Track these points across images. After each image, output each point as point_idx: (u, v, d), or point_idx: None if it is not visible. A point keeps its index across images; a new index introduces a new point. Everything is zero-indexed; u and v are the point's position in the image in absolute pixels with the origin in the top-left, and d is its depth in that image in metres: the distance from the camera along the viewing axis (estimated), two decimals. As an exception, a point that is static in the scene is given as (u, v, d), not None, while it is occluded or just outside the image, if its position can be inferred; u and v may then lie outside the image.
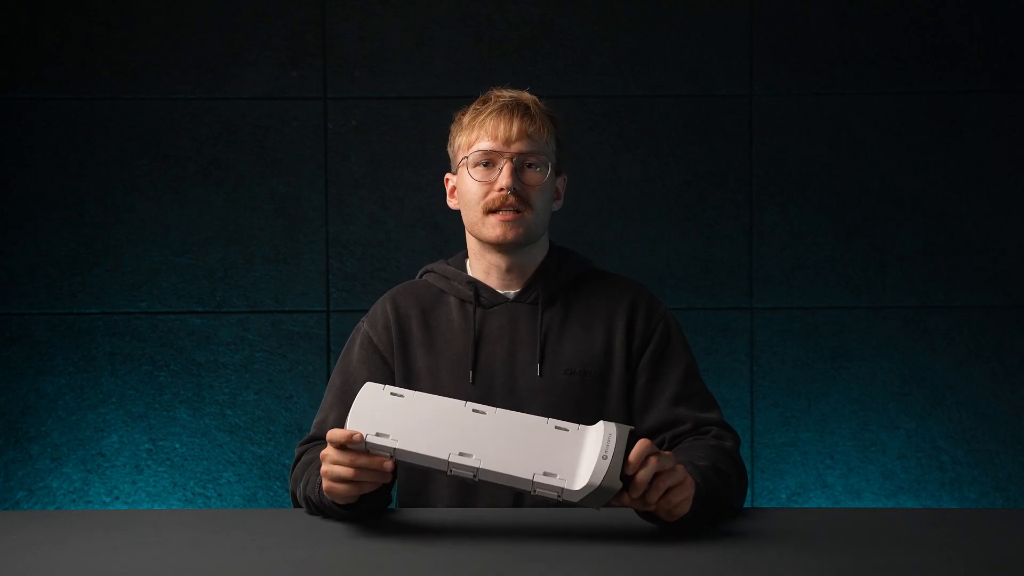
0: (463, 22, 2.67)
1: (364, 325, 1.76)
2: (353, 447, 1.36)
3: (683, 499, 1.38)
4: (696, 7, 2.67)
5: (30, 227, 2.65)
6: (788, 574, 1.27)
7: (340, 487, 1.39)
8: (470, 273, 1.76)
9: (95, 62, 2.65)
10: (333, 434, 1.37)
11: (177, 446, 2.66)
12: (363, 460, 1.36)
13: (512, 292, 1.73)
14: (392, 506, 1.71)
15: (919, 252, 2.67)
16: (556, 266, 1.75)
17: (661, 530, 1.44)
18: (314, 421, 1.74)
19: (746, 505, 1.80)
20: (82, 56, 2.65)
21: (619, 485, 1.32)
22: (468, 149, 1.70)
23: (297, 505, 1.63)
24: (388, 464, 1.35)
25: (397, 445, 1.35)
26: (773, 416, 2.68)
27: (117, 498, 2.65)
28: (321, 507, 1.51)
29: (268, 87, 2.67)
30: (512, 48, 2.67)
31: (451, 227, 2.65)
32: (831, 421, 2.67)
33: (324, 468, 1.40)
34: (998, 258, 2.67)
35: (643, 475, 1.32)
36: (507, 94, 1.72)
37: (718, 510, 1.50)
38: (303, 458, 1.65)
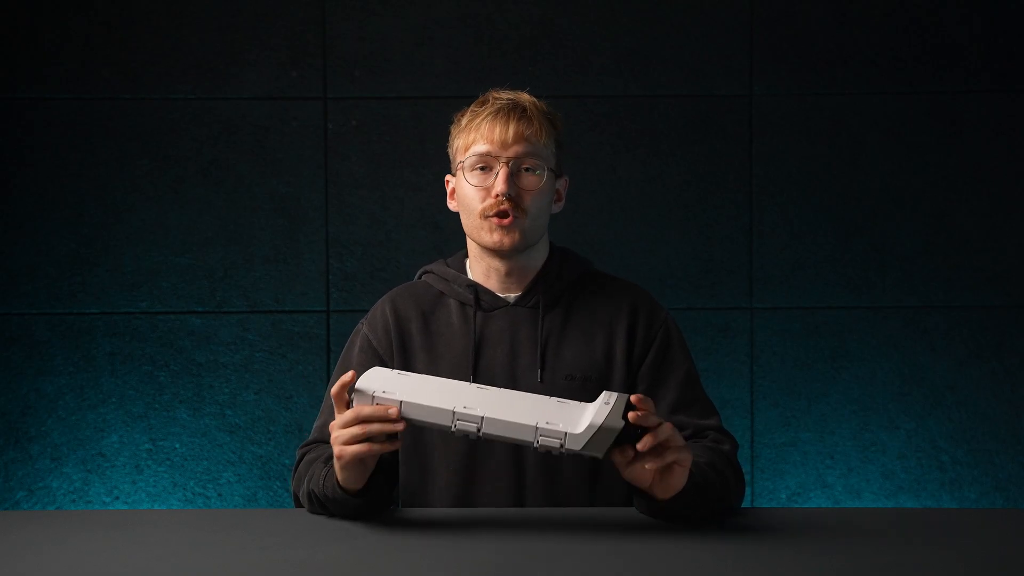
0: (463, 22, 2.67)
1: (364, 328, 1.76)
2: (360, 402, 1.39)
3: (681, 459, 1.39)
4: (696, 7, 2.67)
5: (30, 227, 2.65)
6: (788, 574, 1.27)
7: (352, 448, 1.40)
8: (470, 275, 1.76)
9: (95, 62, 2.65)
10: (334, 390, 1.41)
11: (177, 446, 2.66)
12: (368, 410, 1.38)
13: (512, 296, 1.73)
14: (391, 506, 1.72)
15: (919, 252, 2.67)
16: (556, 269, 1.74)
17: (664, 527, 1.44)
18: (314, 425, 1.73)
19: (746, 505, 1.80)
20: (82, 56, 2.65)
21: (620, 424, 1.35)
22: (465, 152, 1.69)
23: (299, 505, 1.63)
24: (393, 411, 1.37)
25: (404, 398, 1.39)
26: (773, 416, 2.68)
27: (117, 498, 2.65)
28: (324, 500, 1.51)
29: (268, 87, 2.67)
30: (512, 48, 2.67)
31: (451, 227, 2.65)
32: (831, 421, 2.67)
33: (334, 435, 1.42)
34: (998, 258, 2.67)
35: (643, 411, 1.35)
36: (505, 96, 1.70)
37: (712, 506, 1.50)
38: (306, 458, 1.65)
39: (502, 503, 1.64)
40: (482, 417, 1.37)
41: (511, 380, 1.67)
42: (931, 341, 2.67)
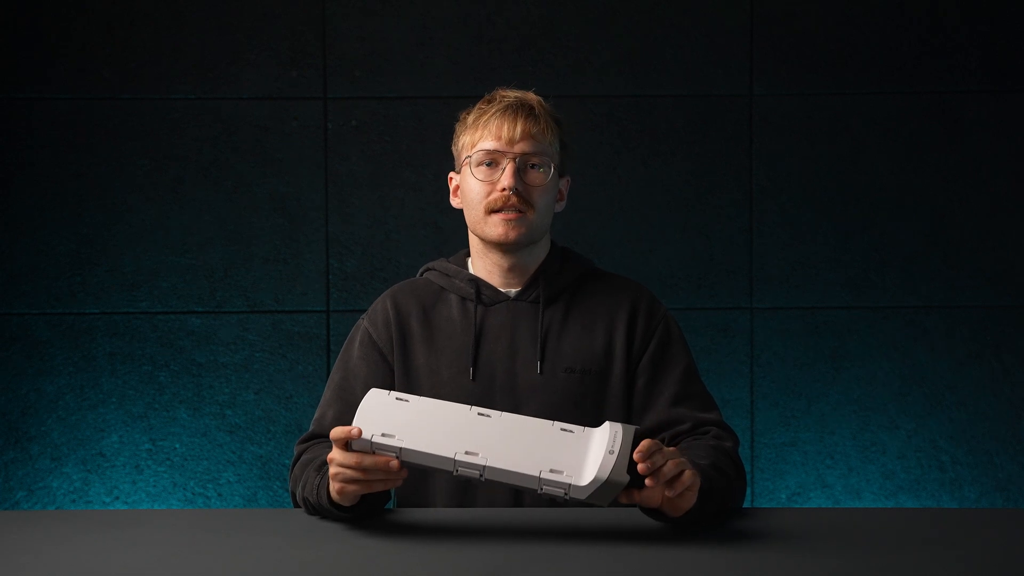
0: (463, 22, 2.67)
1: (364, 322, 1.76)
2: (358, 447, 1.36)
3: (688, 488, 1.38)
4: (696, 7, 2.67)
5: (30, 227, 2.65)
6: (788, 574, 1.27)
7: (351, 488, 1.40)
8: (471, 271, 1.76)
9: (95, 62, 2.65)
10: (335, 433, 1.38)
11: (177, 446, 2.66)
12: (369, 461, 1.37)
13: (513, 291, 1.74)
14: (391, 506, 1.72)
15: (919, 252, 2.67)
16: (558, 266, 1.75)
17: (665, 528, 1.44)
18: (313, 418, 1.74)
19: (746, 505, 1.80)
20: (82, 56, 2.65)
21: (626, 479, 1.32)
22: (471, 148, 1.70)
23: (297, 505, 1.63)
24: (394, 463, 1.36)
25: (403, 445, 1.35)
26: (773, 416, 2.68)
27: (117, 498, 2.65)
28: (319, 508, 1.51)
29: (268, 87, 2.67)
30: (512, 48, 2.67)
31: (451, 227, 2.65)
32: (831, 421, 2.67)
33: (332, 471, 1.40)
34: (998, 258, 2.67)
35: (648, 464, 1.33)
36: (512, 94, 1.73)
37: (720, 509, 1.51)
38: (302, 458, 1.65)
39: (500, 500, 1.64)
40: (484, 466, 1.33)
41: (511, 373, 1.68)
42: (931, 341, 2.67)
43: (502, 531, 1.45)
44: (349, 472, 1.38)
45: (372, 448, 1.36)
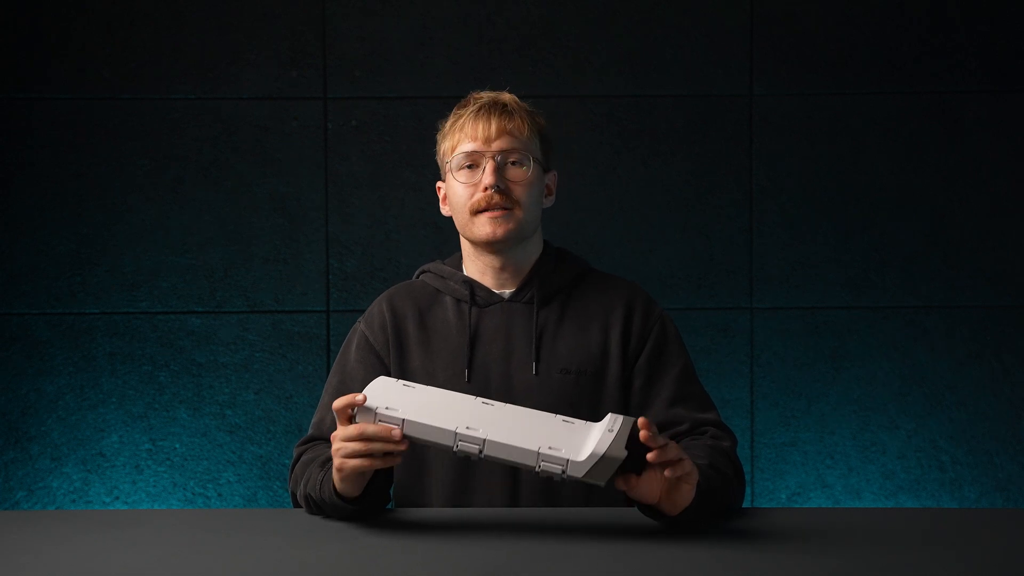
0: (463, 22, 2.67)
1: (361, 325, 1.77)
2: (362, 419, 1.38)
3: (687, 474, 1.38)
4: (696, 7, 2.67)
5: (30, 227, 2.65)
6: (788, 574, 1.27)
7: (352, 462, 1.40)
8: (466, 273, 1.76)
9: (95, 62, 2.65)
10: (339, 401, 1.40)
11: (177, 446, 2.66)
12: (372, 429, 1.38)
13: (507, 292, 1.74)
14: (390, 506, 1.72)
15: (919, 252, 2.67)
16: (552, 266, 1.75)
17: (663, 527, 1.44)
18: (312, 421, 1.74)
19: (746, 505, 1.80)
20: (82, 56, 2.65)
21: (623, 454, 1.34)
22: (452, 153, 1.72)
23: (297, 505, 1.63)
24: (396, 432, 1.37)
25: (406, 416, 1.38)
26: (773, 416, 2.68)
27: (117, 498, 2.65)
28: (321, 504, 1.51)
29: (268, 87, 2.67)
30: (512, 48, 2.67)
31: (450, 227, 2.63)
32: (831, 421, 2.67)
33: (335, 447, 1.42)
34: (998, 258, 2.67)
35: (651, 432, 1.33)
36: (485, 95, 1.74)
37: (717, 509, 1.50)
38: (303, 457, 1.65)
39: (497, 499, 1.64)
40: (484, 440, 1.36)
41: (506, 375, 1.68)
42: (931, 341, 2.67)
43: (502, 531, 1.45)
44: (351, 445, 1.39)
45: (376, 419, 1.38)
